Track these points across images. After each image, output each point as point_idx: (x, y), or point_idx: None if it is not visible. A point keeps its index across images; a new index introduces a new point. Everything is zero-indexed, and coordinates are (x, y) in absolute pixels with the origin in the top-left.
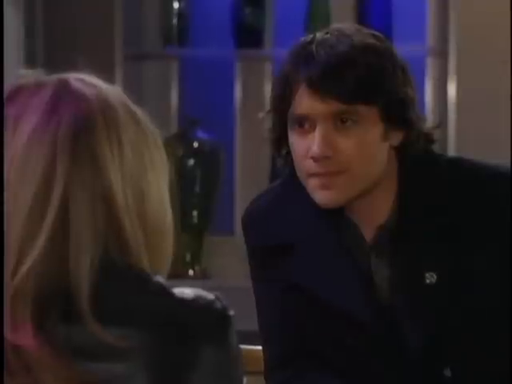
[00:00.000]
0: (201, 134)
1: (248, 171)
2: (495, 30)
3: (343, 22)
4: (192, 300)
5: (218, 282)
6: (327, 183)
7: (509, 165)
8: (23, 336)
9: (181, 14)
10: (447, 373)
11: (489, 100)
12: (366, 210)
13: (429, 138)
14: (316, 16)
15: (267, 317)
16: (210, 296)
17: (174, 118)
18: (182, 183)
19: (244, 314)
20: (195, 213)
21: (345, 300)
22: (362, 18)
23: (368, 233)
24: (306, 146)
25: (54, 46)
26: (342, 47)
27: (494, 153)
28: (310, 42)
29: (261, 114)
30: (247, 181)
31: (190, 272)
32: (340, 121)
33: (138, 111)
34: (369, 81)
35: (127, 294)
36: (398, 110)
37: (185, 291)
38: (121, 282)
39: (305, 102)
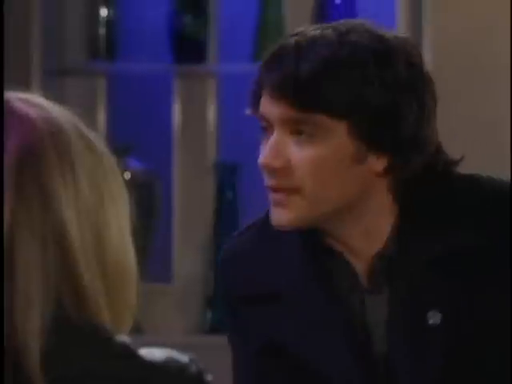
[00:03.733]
0: (133, 163)
1: (189, 206)
2: (478, 44)
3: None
4: (163, 363)
5: (152, 337)
6: (280, 200)
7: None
8: None
9: (109, 22)
10: None
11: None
12: (359, 239)
13: (448, 162)
14: (267, 24)
15: (241, 380)
16: (184, 358)
17: None
18: None
19: None
20: None
21: (330, 360)
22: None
23: (363, 267)
24: None
25: None
26: (318, 49)
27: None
28: (292, 36)
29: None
30: (188, 218)
31: None
32: (296, 131)
33: (92, 135)
34: (334, 89)
35: (86, 357)
36: (379, 129)
37: (154, 352)
38: (78, 343)
39: (264, 103)
